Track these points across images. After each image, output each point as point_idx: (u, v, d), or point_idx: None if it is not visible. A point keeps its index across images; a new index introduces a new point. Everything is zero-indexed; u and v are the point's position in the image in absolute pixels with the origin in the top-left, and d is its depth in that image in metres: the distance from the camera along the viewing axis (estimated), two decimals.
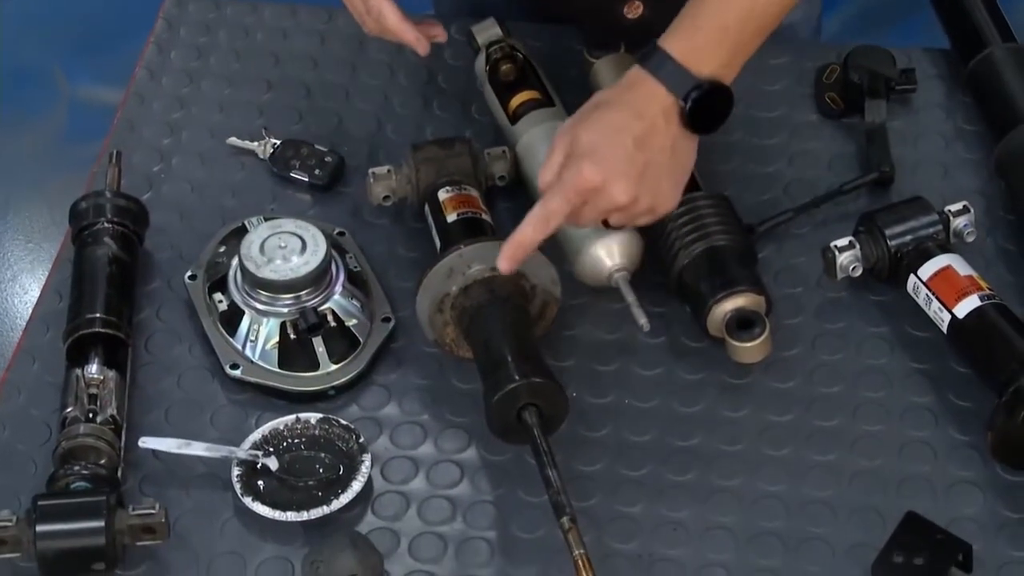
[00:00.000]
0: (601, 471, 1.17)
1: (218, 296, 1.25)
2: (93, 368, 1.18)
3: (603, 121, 1.15)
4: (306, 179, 1.35)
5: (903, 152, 1.34)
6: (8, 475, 1.17)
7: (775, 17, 1.17)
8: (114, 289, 1.23)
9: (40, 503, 1.09)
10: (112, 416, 1.16)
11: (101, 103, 2.30)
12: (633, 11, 1.36)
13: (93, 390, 1.17)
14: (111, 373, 1.19)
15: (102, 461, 1.14)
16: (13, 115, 2.38)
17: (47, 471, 1.14)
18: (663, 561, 1.12)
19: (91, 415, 1.16)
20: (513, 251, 1.15)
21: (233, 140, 1.39)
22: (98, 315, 1.21)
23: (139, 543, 1.10)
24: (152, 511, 1.09)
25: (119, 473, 1.15)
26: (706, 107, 1.14)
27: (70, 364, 1.20)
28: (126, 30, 1.97)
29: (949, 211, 1.24)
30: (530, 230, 1.14)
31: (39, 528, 1.08)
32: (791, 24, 1.41)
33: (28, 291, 2.19)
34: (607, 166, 1.13)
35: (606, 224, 1.19)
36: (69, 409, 1.16)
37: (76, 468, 1.12)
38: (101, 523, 1.08)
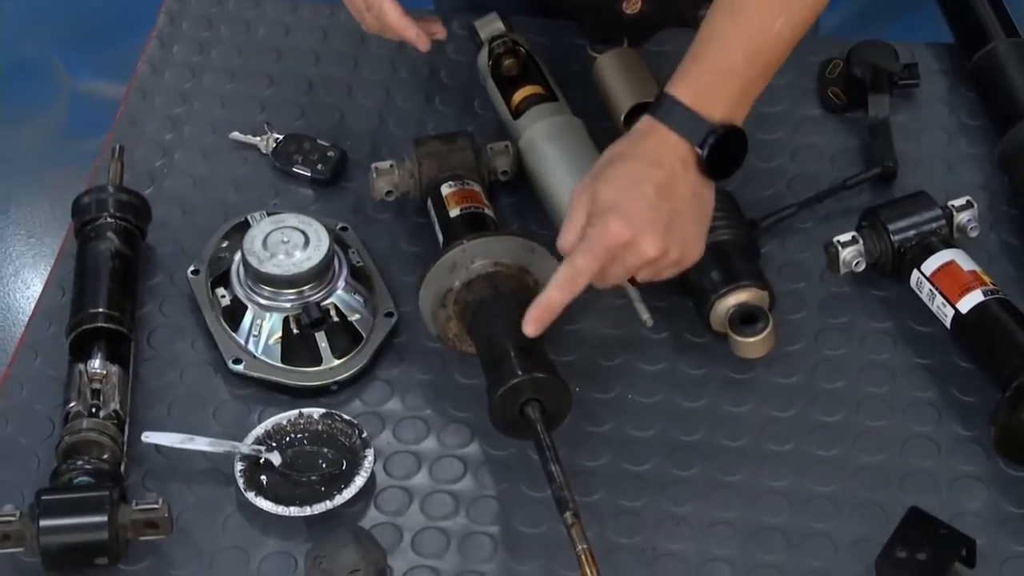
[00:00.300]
0: (604, 466, 1.17)
1: (221, 291, 1.24)
2: (96, 363, 1.18)
3: (621, 174, 1.11)
4: (308, 174, 1.35)
5: (906, 147, 1.34)
6: (11, 470, 1.17)
7: (783, 51, 1.14)
8: (117, 284, 1.23)
9: (43, 498, 1.09)
10: (115, 411, 1.16)
11: (102, 97, 2.30)
12: (632, 7, 1.35)
13: (96, 385, 1.17)
14: (114, 368, 1.19)
15: (105, 456, 1.14)
16: (14, 109, 2.38)
17: (50, 466, 1.14)
18: (666, 556, 1.12)
19: (94, 410, 1.16)
20: (540, 314, 1.11)
21: (235, 135, 1.38)
22: (101, 310, 1.21)
23: (142, 538, 1.10)
24: (155, 506, 1.09)
25: (122, 468, 1.15)
26: (722, 152, 1.11)
27: (73, 359, 1.20)
28: (126, 25, 1.97)
29: (952, 206, 1.24)
30: (556, 293, 1.11)
31: (42, 523, 1.08)
32: None
33: (30, 286, 2.19)
34: (634, 220, 1.09)
35: (632, 282, 1.16)
36: (72, 404, 1.16)
37: (79, 463, 1.12)
38: (104, 518, 1.08)
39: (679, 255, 1.12)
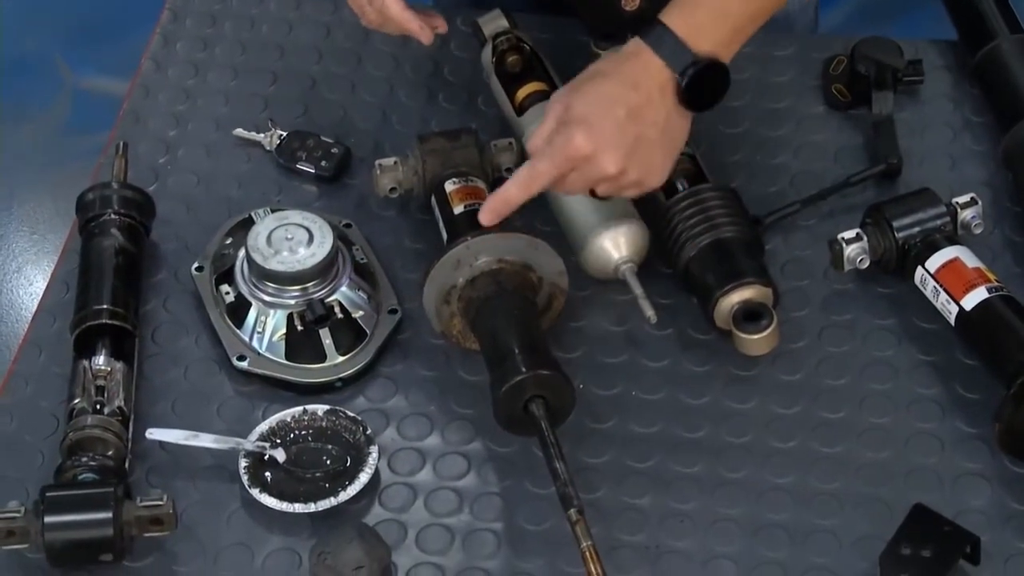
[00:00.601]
0: (608, 463, 1.17)
1: (225, 288, 1.24)
2: (100, 359, 1.18)
3: (598, 91, 1.15)
4: (312, 171, 1.35)
5: (910, 144, 1.34)
6: (15, 466, 1.17)
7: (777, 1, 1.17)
8: (121, 280, 1.23)
9: (48, 494, 1.09)
10: (119, 407, 1.16)
11: (104, 94, 2.30)
12: (631, 4, 1.35)
13: (100, 381, 1.17)
14: (118, 364, 1.19)
15: (109, 452, 1.14)
16: (16, 106, 2.38)
17: (54, 462, 1.14)
18: (670, 553, 1.12)
19: (98, 406, 1.16)
20: (496, 205, 1.16)
21: (239, 131, 1.38)
22: (105, 306, 1.21)
23: (146, 534, 1.10)
24: (159, 502, 1.09)
25: (126, 464, 1.15)
26: (702, 84, 1.15)
27: (77, 355, 1.20)
28: (128, 21, 1.97)
29: (956, 203, 1.24)
30: (515, 189, 1.16)
31: (47, 519, 1.08)
32: (788, 13, 1.42)
33: (33, 282, 2.19)
34: (598, 136, 1.14)
35: (592, 194, 1.19)
36: (76, 400, 1.16)
37: (83, 459, 1.12)
38: (109, 514, 1.08)
39: (638, 176, 1.16)
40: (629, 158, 1.14)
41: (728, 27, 1.15)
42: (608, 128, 1.14)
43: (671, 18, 1.15)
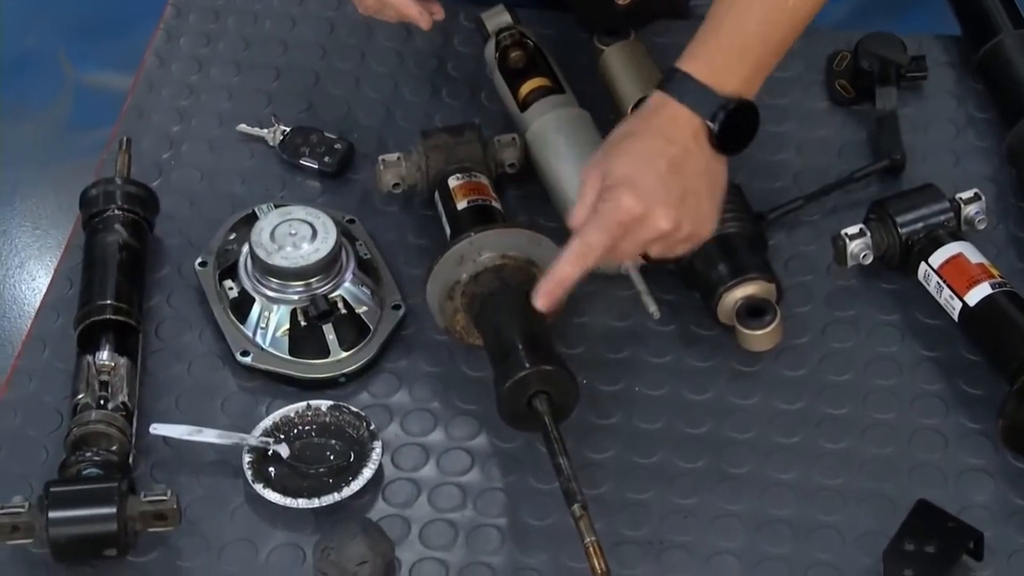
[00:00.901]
0: (611, 458, 1.17)
1: (228, 283, 1.24)
2: (104, 355, 1.18)
3: (633, 150, 1.10)
4: (315, 166, 1.35)
5: (914, 139, 1.34)
6: (19, 461, 1.17)
7: (798, 27, 1.13)
8: (124, 276, 1.23)
9: (52, 489, 1.09)
10: (123, 403, 1.16)
11: (107, 90, 2.30)
12: None
13: (104, 377, 1.17)
14: (122, 360, 1.19)
15: (113, 448, 1.14)
16: (18, 102, 2.38)
17: (58, 457, 1.14)
18: (673, 548, 1.12)
19: (102, 402, 1.16)
20: (552, 288, 1.11)
21: (242, 127, 1.38)
22: (109, 302, 1.21)
23: (151, 529, 1.10)
24: (164, 497, 1.09)
25: (130, 460, 1.15)
26: (734, 126, 1.11)
27: (81, 351, 1.20)
28: (130, 17, 1.97)
29: (960, 198, 1.24)
30: (568, 267, 1.10)
31: (51, 514, 1.08)
32: None
33: (36, 278, 2.19)
34: (645, 194, 1.08)
35: (645, 258, 1.15)
36: (80, 396, 1.16)
37: (87, 454, 1.12)
38: (113, 509, 1.08)
39: (691, 230, 1.11)
40: (680, 210, 1.09)
41: (750, 64, 1.11)
42: (653, 184, 1.09)
43: (689, 63, 1.11)
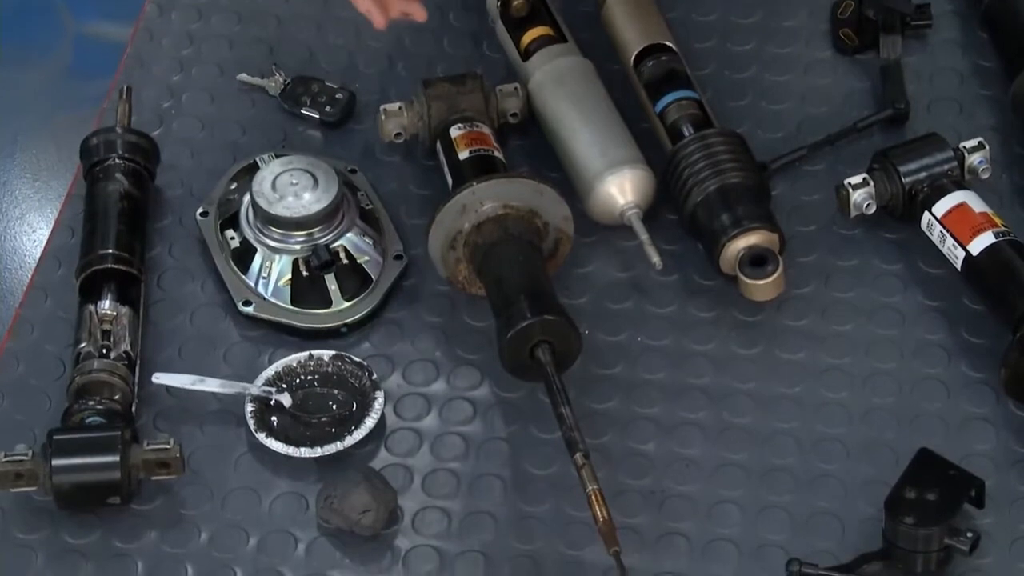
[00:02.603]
0: (613, 408, 1.17)
1: (230, 233, 1.24)
2: (106, 304, 1.18)
3: None
4: (317, 116, 1.35)
5: (918, 89, 1.34)
6: (22, 409, 1.17)
7: None
8: (126, 225, 1.23)
9: (55, 437, 1.10)
10: (125, 352, 1.16)
11: (106, 39, 2.28)
12: None
13: (106, 326, 1.17)
14: (124, 309, 1.19)
15: (116, 396, 1.14)
16: (18, 51, 2.36)
17: (61, 406, 1.14)
18: (675, 497, 1.12)
19: (104, 351, 1.16)
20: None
21: (243, 76, 1.38)
22: (111, 251, 1.21)
23: (154, 478, 1.10)
24: (167, 446, 1.10)
25: (133, 409, 1.15)
26: None
27: (83, 300, 1.20)
28: None
29: (964, 148, 1.24)
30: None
31: (55, 462, 1.08)
32: None
33: (36, 229, 2.18)
34: None
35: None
36: (83, 345, 1.16)
37: (90, 403, 1.12)
38: (116, 457, 1.08)
39: None
40: None
41: None
42: None
43: None
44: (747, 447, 1.14)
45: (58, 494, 1.09)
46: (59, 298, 1.23)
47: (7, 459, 1.09)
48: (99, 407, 1.12)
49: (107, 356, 1.15)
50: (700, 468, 1.13)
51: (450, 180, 1.25)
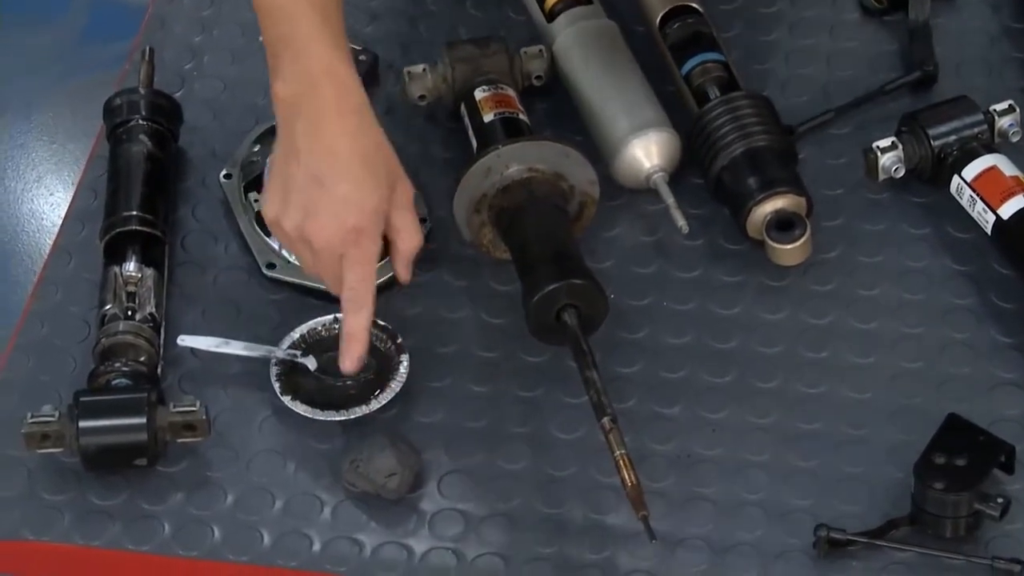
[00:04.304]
0: (638, 372, 1.16)
1: (254, 195, 1.24)
2: (131, 266, 1.18)
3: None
4: None
5: (947, 50, 1.32)
6: (47, 371, 1.17)
7: None
8: (150, 187, 1.23)
9: (82, 399, 1.10)
10: (151, 314, 1.16)
11: (120, 2, 2.27)
12: None
13: (131, 288, 1.17)
14: (149, 271, 1.18)
15: (142, 358, 1.14)
16: (33, 13, 2.35)
17: (86, 368, 1.14)
18: (701, 462, 1.12)
19: (130, 312, 1.15)
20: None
21: None
22: (135, 213, 1.20)
23: (180, 440, 1.10)
24: (193, 408, 1.09)
25: (158, 371, 1.15)
26: None
27: (107, 261, 1.19)
28: None
29: (994, 110, 1.22)
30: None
31: (81, 424, 1.08)
32: None
33: (54, 192, 2.18)
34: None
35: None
36: (108, 306, 1.16)
37: (116, 365, 1.12)
38: (143, 419, 1.08)
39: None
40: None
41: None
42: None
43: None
44: (774, 411, 1.14)
45: (85, 456, 1.09)
46: (83, 259, 1.23)
47: (34, 420, 1.09)
48: (125, 369, 1.12)
49: (132, 318, 1.15)
50: (726, 432, 1.13)
51: (475, 143, 1.25)
